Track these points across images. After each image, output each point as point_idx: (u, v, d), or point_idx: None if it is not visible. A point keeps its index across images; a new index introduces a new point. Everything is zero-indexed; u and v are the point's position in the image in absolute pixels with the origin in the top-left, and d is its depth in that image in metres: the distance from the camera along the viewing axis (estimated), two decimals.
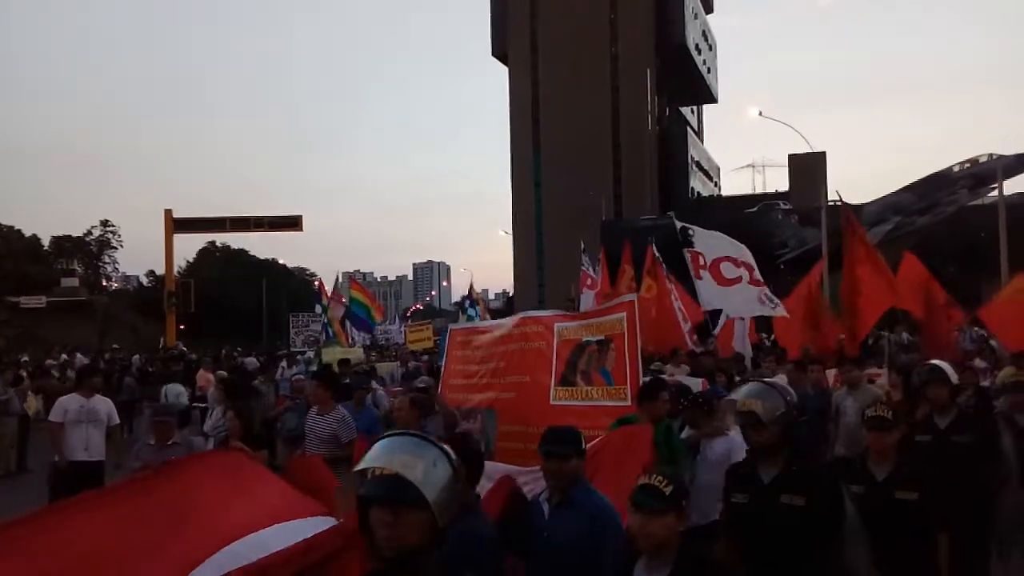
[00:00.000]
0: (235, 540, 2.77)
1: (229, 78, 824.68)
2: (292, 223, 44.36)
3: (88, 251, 72.03)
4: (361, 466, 2.16)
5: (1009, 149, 35.89)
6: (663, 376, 8.12)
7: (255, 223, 44.33)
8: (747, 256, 12.23)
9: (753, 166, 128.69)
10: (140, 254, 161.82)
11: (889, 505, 4.00)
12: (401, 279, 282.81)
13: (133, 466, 6.33)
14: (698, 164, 72.59)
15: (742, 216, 46.13)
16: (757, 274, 11.99)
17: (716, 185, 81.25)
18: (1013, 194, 26.03)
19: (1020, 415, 6.17)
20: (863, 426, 4.39)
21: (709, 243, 12.50)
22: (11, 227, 64.44)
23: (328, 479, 3.73)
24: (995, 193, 20.38)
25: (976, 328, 15.32)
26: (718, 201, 71.19)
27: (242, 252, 74.96)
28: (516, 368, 7.00)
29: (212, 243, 73.68)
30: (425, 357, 17.97)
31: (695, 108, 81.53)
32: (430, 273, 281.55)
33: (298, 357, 21.34)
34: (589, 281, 19.43)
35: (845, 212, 10.99)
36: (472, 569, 3.04)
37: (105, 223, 72.10)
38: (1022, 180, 33.12)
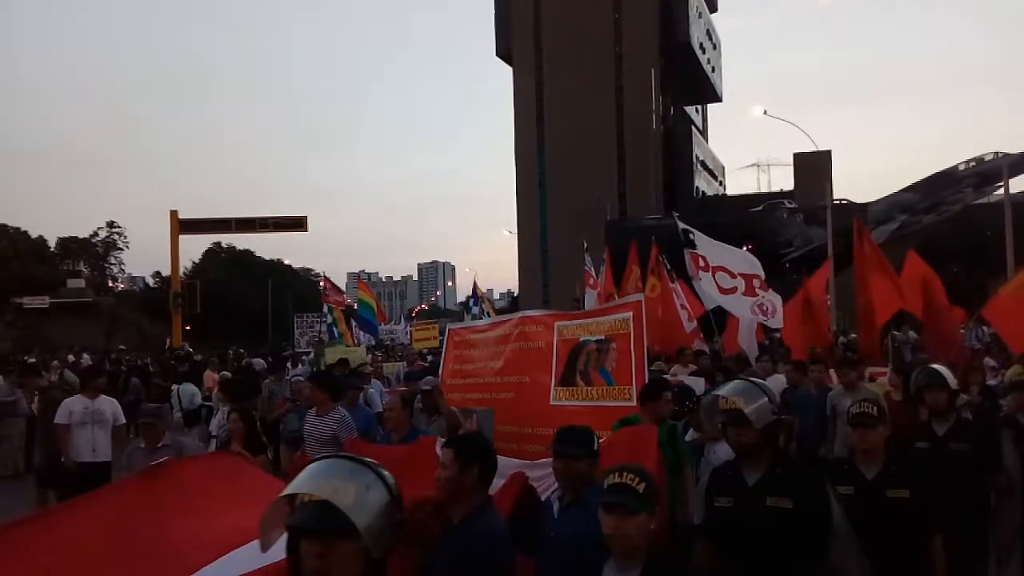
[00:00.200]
0: (235, 548, 2.76)
1: (230, 78, 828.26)
2: (298, 224, 44.42)
3: (94, 252, 72.38)
4: (288, 491, 2.00)
5: (1010, 148, 35.77)
6: (665, 376, 8.13)
7: (260, 224, 44.45)
8: (747, 266, 12.24)
9: (758, 165, 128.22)
10: (146, 255, 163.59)
11: (880, 504, 3.87)
12: (406, 279, 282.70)
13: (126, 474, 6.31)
14: (703, 163, 72.50)
15: (747, 215, 46.12)
16: (757, 283, 12.00)
17: (721, 184, 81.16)
18: (1019, 192, 25.83)
19: (1022, 415, 6.13)
20: (847, 423, 4.28)
21: (709, 249, 12.53)
22: (17, 228, 64.87)
23: None
24: (1001, 191, 20.29)
25: (984, 327, 15.22)
26: (723, 200, 71.22)
27: (247, 253, 75.22)
28: (516, 368, 6.92)
29: (218, 244, 74.00)
30: (430, 357, 17.96)
31: (699, 107, 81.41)
32: (435, 273, 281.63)
33: (303, 358, 21.35)
34: (591, 281, 19.46)
35: (858, 225, 11.14)
36: (484, 567, 3.05)
37: (111, 224, 72.66)
38: None
